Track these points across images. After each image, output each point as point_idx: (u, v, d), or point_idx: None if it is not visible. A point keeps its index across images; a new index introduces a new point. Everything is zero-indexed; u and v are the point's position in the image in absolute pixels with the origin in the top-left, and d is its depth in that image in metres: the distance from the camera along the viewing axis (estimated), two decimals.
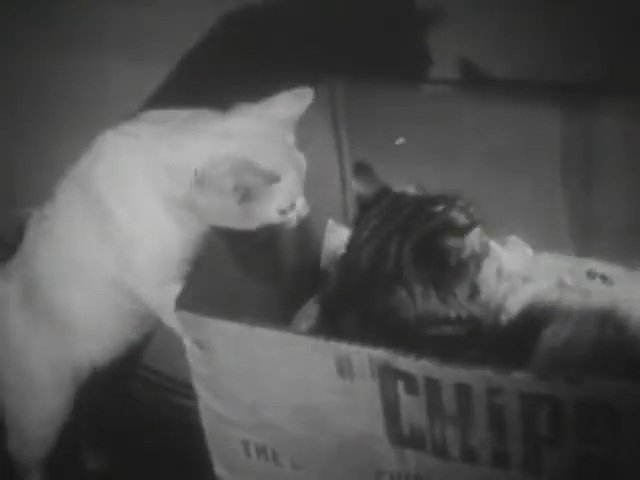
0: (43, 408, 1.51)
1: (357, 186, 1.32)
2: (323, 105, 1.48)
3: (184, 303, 1.15)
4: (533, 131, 1.40)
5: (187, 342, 1.17)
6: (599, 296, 1.33)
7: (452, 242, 1.21)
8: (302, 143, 1.39)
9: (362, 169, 1.32)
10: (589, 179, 1.42)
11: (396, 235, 1.24)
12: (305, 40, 1.49)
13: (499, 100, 1.41)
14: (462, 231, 1.22)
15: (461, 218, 1.26)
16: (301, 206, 1.29)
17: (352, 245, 1.29)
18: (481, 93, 1.42)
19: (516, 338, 1.29)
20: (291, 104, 1.27)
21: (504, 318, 1.35)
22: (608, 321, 1.27)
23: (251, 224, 1.26)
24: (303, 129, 1.40)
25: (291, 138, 1.28)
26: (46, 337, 1.45)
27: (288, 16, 1.46)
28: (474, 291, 1.25)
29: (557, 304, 1.34)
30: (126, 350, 1.47)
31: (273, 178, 1.22)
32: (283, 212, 1.26)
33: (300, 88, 1.28)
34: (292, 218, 1.28)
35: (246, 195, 1.22)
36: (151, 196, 1.28)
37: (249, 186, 1.22)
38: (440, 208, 1.26)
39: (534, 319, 1.32)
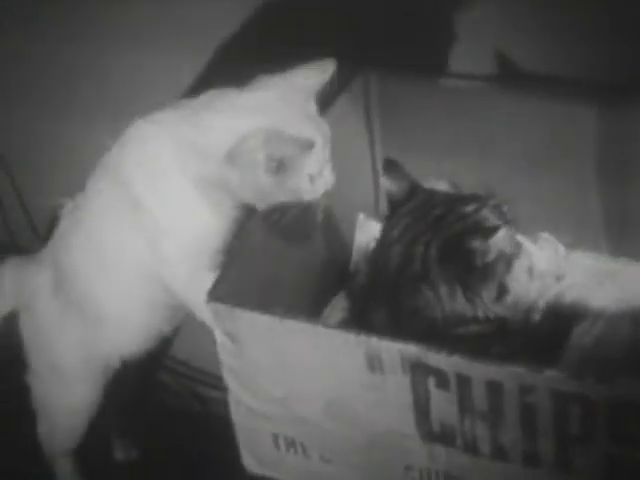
0: (73, 398, 1.52)
1: (387, 184, 1.30)
2: (356, 98, 1.47)
3: (216, 295, 1.15)
4: (568, 127, 1.39)
5: (218, 334, 1.17)
6: (632, 295, 1.32)
7: (477, 244, 1.20)
8: (334, 135, 1.39)
9: (391, 167, 1.31)
10: (624, 177, 1.41)
11: (424, 235, 1.23)
12: (339, 33, 1.49)
13: (534, 95, 1.39)
14: (488, 233, 1.21)
15: (492, 218, 1.25)
16: (329, 174, 1.28)
17: (382, 243, 1.28)
18: (516, 88, 1.41)
19: (547, 336, 1.28)
20: (313, 74, 1.27)
21: (535, 316, 1.33)
22: None
23: (284, 196, 1.25)
24: (336, 122, 1.40)
25: (313, 107, 1.27)
26: (77, 327, 1.45)
27: (322, 8, 1.46)
28: (502, 292, 1.23)
29: (588, 302, 1.33)
30: (156, 342, 1.47)
31: (308, 145, 1.22)
32: (312, 179, 1.25)
33: (323, 60, 1.27)
34: (320, 186, 1.27)
35: (280, 166, 1.21)
36: (181, 180, 1.27)
37: (283, 156, 1.21)
38: (471, 208, 1.25)
39: (565, 317, 1.31)
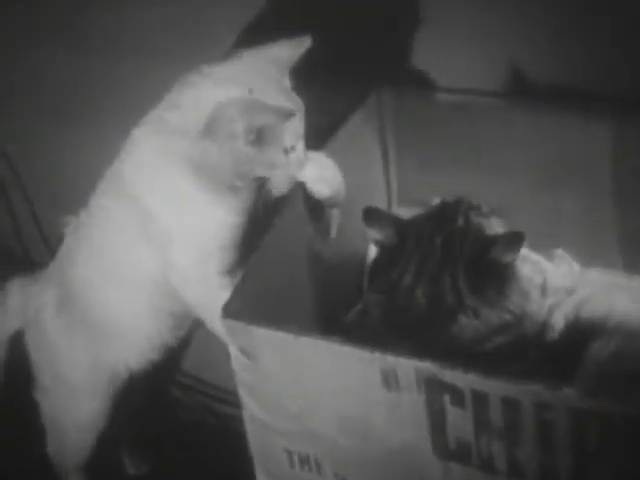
0: (81, 413, 1.52)
1: (372, 234, 1.29)
2: (370, 115, 1.47)
3: (231, 311, 1.15)
4: (584, 143, 1.39)
5: (233, 350, 1.16)
6: None
7: (499, 252, 1.22)
8: (348, 151, 1.40)
9: (372, 215, 1.30)
10: None
11: (444, 267, 1.24)
12: (353, 50, 1.49)
13: (550, 111, 1.40)
14: (503, 239, 1.23)
15: (483, 221, 1.28)
16: (301, 150, 1.27)
17: (397, 288, 1.26)
18: (531, 104, 1.41)
19: (563, 352, 1.27)
20: (287, 49, 1.26)
21: (551, 333, 1.33)
22: None
23: (260, 170, 1.25)
24: (350, 138, 1.41)
25: (288, 81, 1.27)
26: (83, 342, 1.45)
27: (334, 27, 1.46)
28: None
29: (605, 317, 1.32)
30: (162, 354, 1.47)
31: (287, 114, 1.20)
32: (287, 153, 1.24)
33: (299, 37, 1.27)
34: (293, 162, 1.26)
35: (258, 136, 1.20)
36: (178, 172, 1.26)
37: (262, 125, 1.19)
38: (461, 221, 1.27)
39: (581, 333, 1.30)
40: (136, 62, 1.69)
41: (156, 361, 1.47)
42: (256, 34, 1.51)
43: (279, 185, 1.32)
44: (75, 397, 1.50)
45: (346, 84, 1.49)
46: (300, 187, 1.33)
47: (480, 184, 1.47)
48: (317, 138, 1.33)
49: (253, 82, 1.22)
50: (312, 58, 1.49)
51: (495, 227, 1.30)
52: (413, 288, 1.25)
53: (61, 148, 1.85)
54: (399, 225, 1.29)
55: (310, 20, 1.48)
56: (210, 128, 1.20)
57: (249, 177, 1.26)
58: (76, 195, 1.41)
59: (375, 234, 1.29)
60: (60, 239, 1.47)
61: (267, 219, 1.30)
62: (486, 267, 1.24)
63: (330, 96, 1.49)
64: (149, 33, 1.65)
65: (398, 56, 1.46)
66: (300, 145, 1.27)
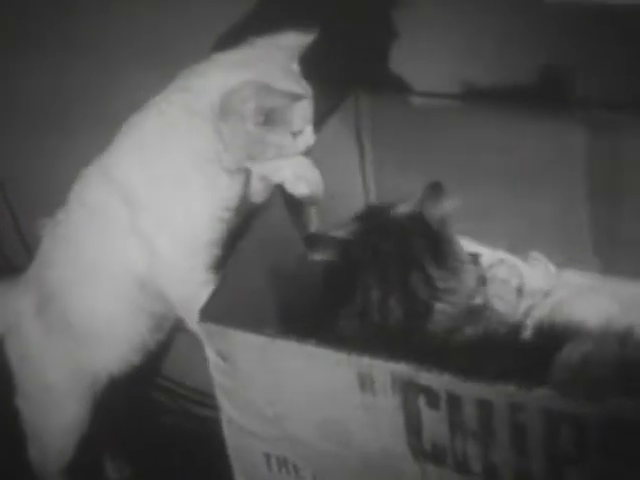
0: (62, 418, 1.52)
1: (318, 257, 1.31)
2: (347, 117, 1.49)
3: (208, 314, 1.15)
4: (558, 146, 1.41)
5: (210, 354, 1.17)
6: (621, 313, 1.32)
7: (437, 208, 1.29)
8: (326, 153, 1.40)
9: (314, 240, 1.32)
10: (614, 195, 1.42)
11: (407, 267, 1.27)
12: (330, 54, 1.49)
13: (524, 115, 1.41)
14: (434, 193, 1.30)
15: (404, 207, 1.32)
16: (309, 133, 1.31)
17: (368, 307, 1.28)
18: (506, 108, 1.42)
19: (537, 354, 1.28)
20: (295, 37, 1.31)
21: (526, 334, 1.34)
22: (629, 340, 1.26)
23: (269, 152, 1.28)
24: (327, 141, 1.41)
25: (296, 67, 1.31)
26: (62, 345, 1.45)
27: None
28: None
29: (578, 320, 1.34)
30: (142, 357, 1.47)
31: (296, 97, 1.25)
32: (295, 136, 1.28)
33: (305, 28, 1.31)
34: (301, 144, 1.30)
35: (268, 118, 1.24)
36: (178, 156, 1.29)
37: (272, 107, 1.23)
38: (392, 221, 1.31)
39: (554, 334, 1.32)
40: (114, 68, 1.69)
41: (136, 364, 1.47)
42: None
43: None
44: (56, 402, 1.50)
45: (323, 88, 1.49)
46: (279, 188, 1.34)
47: (455, 186, 1.48)
48: None
49: (263, 67, 1.26)
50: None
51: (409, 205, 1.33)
52: (385, 300, 1.26)
53: (41, 153, 1.85)
54: (342, 245, 1.31)
55: (289, 25, 1.49)
56: (224, 109, 1.24)
57: (259, 157, 1.29)
58: (57, 200, 1.41)
59: (321, 256, 1.31)
60: (38, 242, 1.47)
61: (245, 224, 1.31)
62: (434, 238, 1.27)
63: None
64: (126, 39, 1.66)
65: (375, 61, 1.47)
66: (308, 129, 1.30)
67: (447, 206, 1.29)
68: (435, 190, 1.29)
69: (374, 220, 1.32)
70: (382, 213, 1.33)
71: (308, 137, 1.31)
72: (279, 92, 1.24)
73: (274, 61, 1.28)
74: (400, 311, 1.25)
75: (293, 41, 1.30)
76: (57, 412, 1.51)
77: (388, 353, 1.18)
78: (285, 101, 1.24)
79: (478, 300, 1.29)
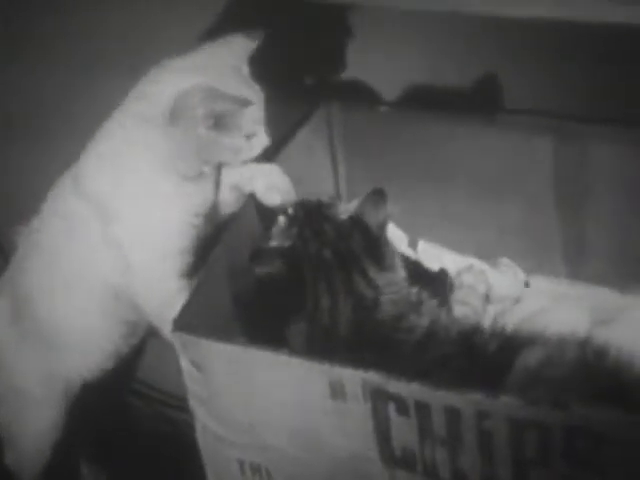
0: (36, 422, 1.52)
1: (259, 270, 1.30)
2: (319, 129, 1.50)
3: (181, 324, 1.17)
4: (526, 156, 1.43)
5: (184, 363, 1.18)
6: (583, 318, 1.35)
7: (379, 214, 1.32)
8: (299, 162, 1.42)
9: (258, 254, 1.31)
10: (582, 203, 1.44)
11: (349, 272, 1.29)
12: (302, 64, 1.51)
13: (493, 126, 1.43)
14: (375, 199, 1.33)
15: (346, 208, 1.35)
16: (263, 135, 1.32)
17: (317, 313, 1.29)
18: (476, 119, 1.44)
19: (502, 359, 1.31)
20: (245, 39, 1.32)
21: (491, 340, 1.37)
22: (588, 346, 1.28)
23: (224, 155, 1.30)
24: (299, 152, 1.43)
25: (246, 70, 1.32)
26: (35, 352, 1.46)
27: (285, 43, 1.48)
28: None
29: (542, 325, 1.36)
30: (115, 363, 1.48)
31: (244, 102, 1.26)
32: (248, 139, 1.30)
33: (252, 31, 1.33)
34: (256, 146, 1.31)
35: (218, 122, 1.25)
36: (145, 165, 1.30)
37: (221, 112, 1.25)
38: (329, 226, 1.32)
39: (516, 340, 1.34)
40: (94, 73, 1.69)
41: (110, 370, 1.48)
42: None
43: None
44: (29, 407, 1.51)
45: (295, 98, 1.51)
46: (251, 198, 1.35)
47: (426, 195, 1.50)
48: (268, 150, 1.36)
49: (213, 71, 1.27)
50: (261, 70, 1.52)
51: (349, 207, 1.35)
52: (334, 306, 1.27)
53: (17, 158, 1.85)
54: (286, 256, 1.30)
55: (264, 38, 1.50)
56: (174, 114, 1.25)
57: (214, 162, 1.31)
58: (33, 205, 1.41)
59: (267, 269, 1.30)
60: (14, 248, 1.47)
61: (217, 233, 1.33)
62: (374, 241, 1.30)
63: (280, 109, 1.51)
64: (106, 43, 1.66)
65: (346, 71, 1.48)
66: (261, 131, 1.31)
67: (386, 212, 1.32)
68: (376, 196, 1.32)
69: (311, 224, 1.32)
70: (316, 214, 1.33)
71: (263, 139, 1.32)
72: (228, 97, 1.25)
73: (224, 64, 1.29)
74: (349, 315, 1.27)
75: (242, 44, 1.32)
76: (30, 416, 1.52)
77: (344, 350, 1.23)
78: (233, 105, 1.25)
79: (414, 292, 1.33)
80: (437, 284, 1.41)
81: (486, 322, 1.38)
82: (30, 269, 1.43)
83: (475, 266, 1.46)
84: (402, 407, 1.08)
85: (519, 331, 1.35)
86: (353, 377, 1.09)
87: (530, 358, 1.26)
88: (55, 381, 1.48)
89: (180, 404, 1.77)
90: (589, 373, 1.23)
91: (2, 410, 1.54)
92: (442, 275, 1.45)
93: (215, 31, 1.53)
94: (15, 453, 1.58)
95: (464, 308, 1.36)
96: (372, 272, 1.29)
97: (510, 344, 1.32)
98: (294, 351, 1.16)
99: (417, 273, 1.42)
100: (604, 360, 1.25)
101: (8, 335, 1.47)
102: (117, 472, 1.79)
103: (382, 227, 1.32)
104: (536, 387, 1.21)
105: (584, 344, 1.28)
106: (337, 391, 1.10)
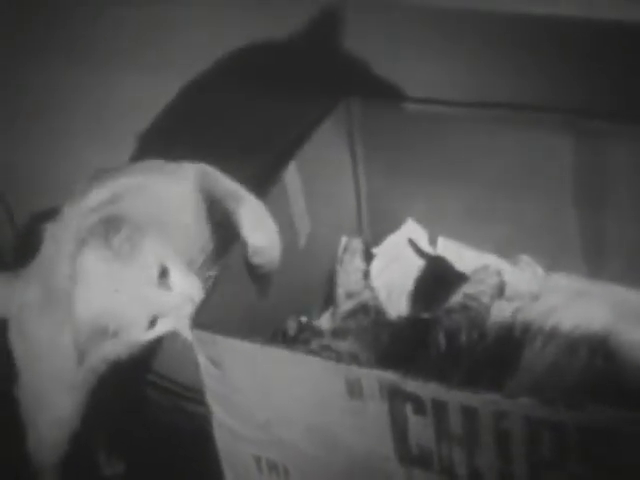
0: (57, 411, 1.53)
1: (289, 327, 1.37)
2: (339, 124, 1.50)
3: (199, 321, 1.17)
4: (547, 152, 1.42)
5: (201, 360, 1.19)
6: (596, 318, 1.34)
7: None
8: (318, 159, 1.42)
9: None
10: (602, 200, 1.43)
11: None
12: (322, 61, 1.51)
13: (513, 121, 1.42)
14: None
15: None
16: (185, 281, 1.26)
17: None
18: (496, 114, 1.43)
19: (506, 353, 1.32)
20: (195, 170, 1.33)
21: (515, 336, 1.37)
22: (600, 350, 1.28)
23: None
24: (319, 147, 1.43)
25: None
26: (67, 340, 1.46)
27: (303, 39, 1.48)
28: None
29: (557, 323, 1.35)
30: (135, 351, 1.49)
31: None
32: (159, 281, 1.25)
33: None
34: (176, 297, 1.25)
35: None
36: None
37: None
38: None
39: (529, 335, 1.34)
40: (109, 70, 1.70)
41: (128, 359, 1.49)
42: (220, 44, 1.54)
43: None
44: (50, 393, 1.51)
45: (315, 94, 1.51)
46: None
47: (446, 192, 1.50)
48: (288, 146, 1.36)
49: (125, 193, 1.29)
50: (281, 68, 1.52)
51: None
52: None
53: (37, 153, 1.87)
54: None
55: (281, 30, 1.50)
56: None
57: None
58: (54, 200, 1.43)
59: (290, 329, 1.40)
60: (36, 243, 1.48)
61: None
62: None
63: (300, 106, 1.52)
64: (120, 41, 1.67)
65: (367, 67, 1.48)
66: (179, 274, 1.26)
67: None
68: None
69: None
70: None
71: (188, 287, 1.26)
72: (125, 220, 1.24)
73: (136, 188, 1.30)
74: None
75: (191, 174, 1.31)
76: (53, 405, 1.52)
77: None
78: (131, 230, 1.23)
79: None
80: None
81: (495, 318, 1.38)
82: (58, 270, 1.43)
83: (491, 263, 1.46)
84: (419, 406, 1.08)
85: (534, 327, 1.34)
86: (370, 376, 1.09)
87: (537, 360, 1.26)
88: (83, 367, 1.48)
89: (197, 397, 1.79)
90: (596, 376, 1.23)
91: (25, 395, 1.55)
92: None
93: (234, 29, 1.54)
94: (36, 441, 1.59)
95: (475, 304, 1.37)
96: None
97: (522, 340, 1.32)
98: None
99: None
100: (617, 360, 1.24)
101: (42, 323, 1.48)
102: (134, 463, 1.80)
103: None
104: (542, 390, 1.21)
105: (598, 342, 1.28)
106: (354, 390, 1.10)
